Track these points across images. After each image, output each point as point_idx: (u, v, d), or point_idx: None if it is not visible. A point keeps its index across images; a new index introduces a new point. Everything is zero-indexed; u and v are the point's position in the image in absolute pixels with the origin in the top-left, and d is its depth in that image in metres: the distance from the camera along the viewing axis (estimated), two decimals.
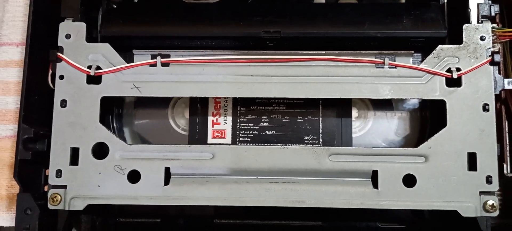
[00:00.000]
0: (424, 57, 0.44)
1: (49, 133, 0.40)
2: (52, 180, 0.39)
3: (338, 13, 0.43)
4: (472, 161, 0.38)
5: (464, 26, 0.40)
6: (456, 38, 0.41)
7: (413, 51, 0.41)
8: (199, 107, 0.44)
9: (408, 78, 0.40)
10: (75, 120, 0.39)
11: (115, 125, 0.44)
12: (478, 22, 0.40)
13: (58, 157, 0.39)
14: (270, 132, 0.44)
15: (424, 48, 0.43)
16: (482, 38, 0.40)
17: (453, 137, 0.39)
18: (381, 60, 0.40)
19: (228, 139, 0.43)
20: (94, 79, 0.40)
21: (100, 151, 0.39)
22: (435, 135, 0.39)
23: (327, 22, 0.43)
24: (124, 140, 0.45)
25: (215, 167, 0.39)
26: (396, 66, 0.40)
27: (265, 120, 0.44)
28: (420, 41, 0.42)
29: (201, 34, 0.43)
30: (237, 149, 0.39)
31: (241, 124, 0.44)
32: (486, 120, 0.39)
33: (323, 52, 0.41)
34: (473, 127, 0.39)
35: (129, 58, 0.43)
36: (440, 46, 0.40)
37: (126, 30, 0.42)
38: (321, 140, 0.43)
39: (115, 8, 0.45)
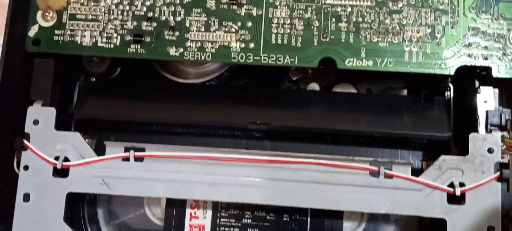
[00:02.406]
0: (425, 156, 0.40)
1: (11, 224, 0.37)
2: None
3: (332, 104, 0.40)
4: None
5: (471, 135, 0.36)
6: (461, 142, 0.38)
7: (411, 163, 0.37)
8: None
9: (406, 191, 0.36)
10: (37, 217, 0.36)
11: (86, 211, 0.41)
12: (486, 130, 0.37)
13: None
14: (253, 230, 0.40)
15: (426, 147, 0.40)
16: (490, 150, 0.36)
17: None
18: (376, 169, 0.36)
19: None
20: (61, 172, 0.37)
21: None
22: None
23: (320, 115, 0.39)
24: (97, 222, 0.42)
25: None
26: (392, 176, 0.36)
27: (248, 216, 0.40)
28: (421, 142, 0.39)
29: (181, 121, 0.39)
30: None
31: (221, 219, 0.40)
32: None
33: (312, 155, 0.37)
34: None
35: (102, 145, 0.40)
36: (442, 156, 0.36)
37: (100, 113, 0.39)
38: None
39: (92, 82, 0.42)
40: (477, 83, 0.39)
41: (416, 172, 0.39)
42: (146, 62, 0.43)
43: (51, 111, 0.38)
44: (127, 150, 0.37)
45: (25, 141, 0.37)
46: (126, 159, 0.37)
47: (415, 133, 0.38)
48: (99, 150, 0.40)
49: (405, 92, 0.42)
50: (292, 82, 0.44)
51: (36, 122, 0.37)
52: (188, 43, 0.38)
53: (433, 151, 0.39)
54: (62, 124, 0.40)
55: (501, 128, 0.36)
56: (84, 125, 0.40)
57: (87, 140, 0.40)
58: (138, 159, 0.37)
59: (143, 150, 0.37)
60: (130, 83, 0.43)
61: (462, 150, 0.37)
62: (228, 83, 0.45)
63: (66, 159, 0.37)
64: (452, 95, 0.41)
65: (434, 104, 0.39)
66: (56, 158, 0.37)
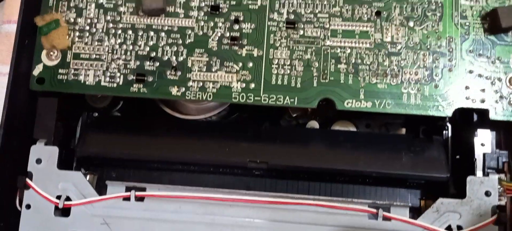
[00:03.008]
0: (423, 195, 0.41)
1: None
2: None
3: (331, 143, 0.40)
4: None
5: (468, 178, 0.36)
6: (459, 184, 0.38)
7: (410, 205, 0.37)
8: None
9: None
10: None
11: None
12: (483, 173, 0.37)
13: None
14: None
15: (424, 186, 0.40)
16: (487, 194, 0.36)
17: None
18: (375, 211, 0.36)
19: None
20: (62, 211, 0.37)
21: None
22: None
23: (319, 154, 0.40)
24: None
25: None
26: (390, 218, 0.36)
27: None
28: (419, 182, 0.39)
29: (182, 160, 0.40)
30: None
31: None
32: None
33: (312, 197, 0.37)
34: None
35: (103, 180, 0.40)
36: (440, 199, 0.36)
37: (101, 151, 0.40)
38: None
39: (94, 118, 0.43)
40: (475, 116, 0.39)
41: (414, 210, 0.39)
42: None
43: (54, 151, 0.38)
44: (128, 189, 0.38)
45: (28, 180, 0.37)
46: (127, 198, 0.37)
47: (413, 174, 0.38)
48: (100, 185, 0.41)
49: (403, 130, 0.43)
50: (292, 118, 0.45)
51: (39, 161, 0.38)
52: (190, 83, 0.39)
53: (432, 190, 0.40)
54: (64, 160, 0.40)
55: (498, 170, 0.37)
56: (86, 161, 0.41)
57: (88, 176, 0.41)
58: (139, 199, 0.38)
59: (144, 189, 0.38)
60: (131, 119, 0.43)
61: (460, 190, 0.37)
62: (229, 117, 0.46)
63: (68, 198, 0.37)
64: (450, 134, 0.41)
65: (433, 144, 0.40)
66: (58, 197, 0.37)
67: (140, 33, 0.40)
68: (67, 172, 0.38)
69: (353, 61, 0.39)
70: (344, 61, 0.39)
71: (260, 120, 0.45)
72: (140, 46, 0.40)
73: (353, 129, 0.43)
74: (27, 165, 0.38)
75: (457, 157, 0.41)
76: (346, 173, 0.39)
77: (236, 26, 0.40)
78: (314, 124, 0.43)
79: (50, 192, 0.37)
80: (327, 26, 0.39)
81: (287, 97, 0.39)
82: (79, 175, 0.38)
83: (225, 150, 0.40)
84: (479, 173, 0.37)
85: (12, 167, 0.38)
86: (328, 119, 0.45)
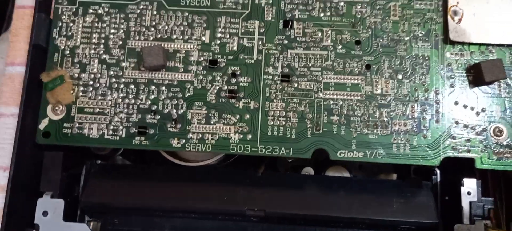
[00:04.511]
0: None
1: None
2: None
3: (326, 190, 0.42)
4: None
5: (456, 226, 0.38)
6: (449, 226, 0.40)
7: None
8: None
9: None
10: None
11: None
12: (470, 220, 0.39)
13: None
14: None
15: (415, 230, 0.42)
16: None
17: None
18: None
19: None
20: None
21: None
22: None
23: (315, 201, 0.41)
24: None
25: None
26: None
27: None
28: (410, 227, 0.41)
29: (182, 208, 0.41)
30: None
31: None
32: None
33: None
34: None
35: (107, 227, 0.42)
36: None
37: (104, 200, 0.41)
38: None
39: (97, 166, 0.44)
40: (461, 165, 0.41)
41: None
42: None
43: (60, 203, 0.40)
44: None
45: None
46: None
47: (404, 220, 0.40)
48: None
49: (394, 176, 0.45)
50: (287, 162, 0.46)
51: (45, 213, 0.39)
52: (190, 135, 0.41)
53: None
54: (68, 208, 0.41)
55: (484, 217, 0.39)
56: (89, 210, 0.42)
57: (92, 223, 0.42)
58: None
59: None
60: (132, 167, 0.45)
61: None
62: (227, 160, 0.47)
63: None
64: (439, 179, 0.43)
65: (422, 189, 0.42)
66: None
67: (142, 87, 0.42)
68: (72, 224, 0.39)
69: (345, 112, 0.41)
70: (337, 113, 0.41)
71: (258, 162, 0.47)
72: (141, 99, 0.41)
73: (346, 173, 0.45)
74: (34, 217, 0.40)
75: (446, 198, 0.43)
76: (340, 220, 0.41)
77: (233, 80, 0.41)
78: (309, 170, 0.45)
79: None
80: (320, 79, 0.41)
81: (283, 148, 0.40)
82: (84, 227, 0.39)
83: (224, 198, 0.41)
84: (466, 220, 0.39)
85: (19, 219, 0.40)
86: (322, 163, 0.47)
